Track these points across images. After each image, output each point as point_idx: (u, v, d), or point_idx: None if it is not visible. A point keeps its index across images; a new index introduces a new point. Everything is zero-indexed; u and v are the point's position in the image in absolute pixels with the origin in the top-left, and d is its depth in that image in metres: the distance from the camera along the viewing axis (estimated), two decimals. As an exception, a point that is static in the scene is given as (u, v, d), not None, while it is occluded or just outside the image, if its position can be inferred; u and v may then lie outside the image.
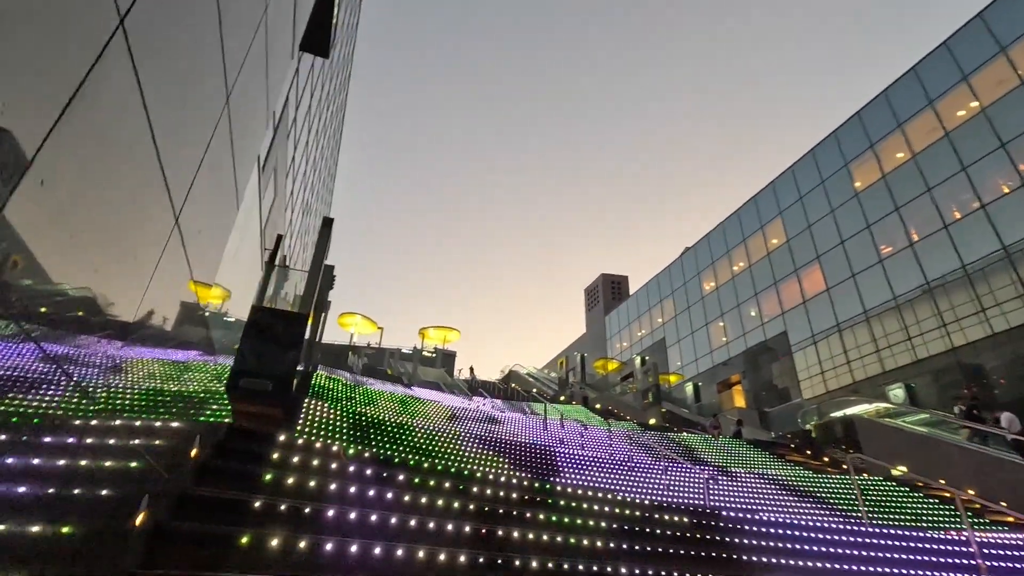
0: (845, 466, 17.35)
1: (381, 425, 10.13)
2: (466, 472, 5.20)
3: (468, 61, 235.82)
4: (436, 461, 6.53)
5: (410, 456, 6.10)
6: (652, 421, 27.57)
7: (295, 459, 4.46)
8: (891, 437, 16.26)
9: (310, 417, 9.14)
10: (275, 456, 4.37)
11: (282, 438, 4.65)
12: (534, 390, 40.05)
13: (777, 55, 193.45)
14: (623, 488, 9.35)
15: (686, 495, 9.81)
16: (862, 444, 16.94)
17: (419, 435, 10.30)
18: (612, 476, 10.48)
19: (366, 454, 4.95)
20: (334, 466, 4.51)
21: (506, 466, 9.84)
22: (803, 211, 32.46)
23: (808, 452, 18.80)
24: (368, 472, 4.52)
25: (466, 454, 9.80)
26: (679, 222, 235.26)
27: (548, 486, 5.35)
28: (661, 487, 10.10)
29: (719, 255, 39.74)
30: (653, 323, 46.62)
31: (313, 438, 6.66)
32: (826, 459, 18.09)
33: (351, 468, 4.40)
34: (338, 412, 10.05)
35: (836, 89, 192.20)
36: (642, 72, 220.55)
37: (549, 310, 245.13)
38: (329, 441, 6.00)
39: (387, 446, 8.79)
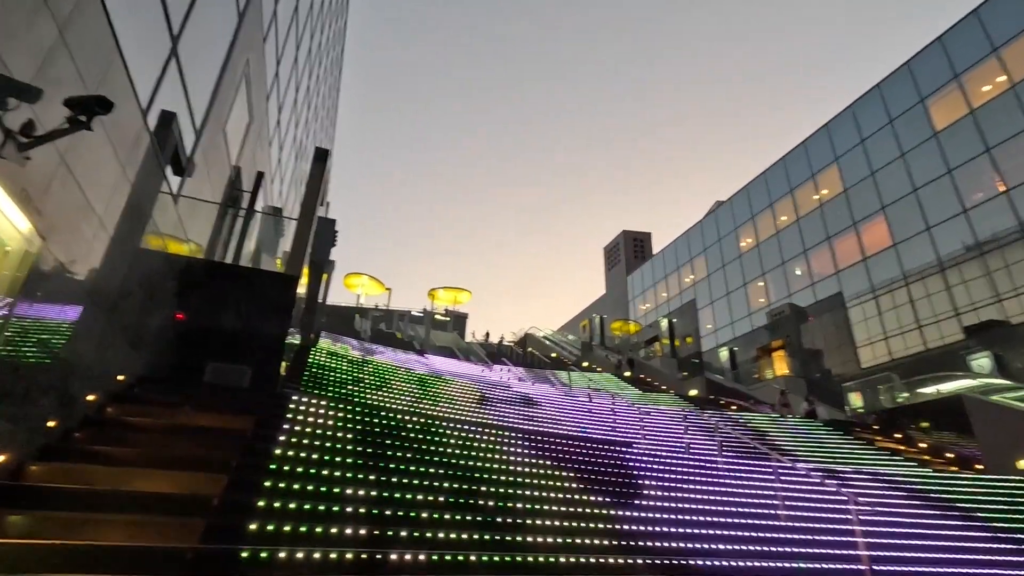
0: (950, 454, 14.60)
1: (400, 432, 7.26)
2: None
3: (482, 7, 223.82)
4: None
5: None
6: (694, 392, 24.82)
7: None
8: (1018, 422, 13.34)
9: (298, 428, 6.25)
10: None
11: None
12: (553, 355, 37.39)
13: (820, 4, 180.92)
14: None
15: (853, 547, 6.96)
16: (975, 429, 14.06)
17: (453, 443, 7.46)
18: (723, 500, 7.67)
19: None
20: None
21: (575, 486, 7.07)
22: (865, 156, 28.60)
23: (897, 436, 15.96)
24: None
25: (519, 477, 6.96)
26: (704, 180, 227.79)
27: None
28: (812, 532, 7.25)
29: (760, 208, 36.03)
30: (682, 283, 43.39)
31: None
32: (922, 444, 15.27)
33: None
34: (340, 414, 7.14)
35: (883, 39, 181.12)
36: (667, 18, 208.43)
37: (565, 270, 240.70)
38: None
39: (414, 473, 5.92)
